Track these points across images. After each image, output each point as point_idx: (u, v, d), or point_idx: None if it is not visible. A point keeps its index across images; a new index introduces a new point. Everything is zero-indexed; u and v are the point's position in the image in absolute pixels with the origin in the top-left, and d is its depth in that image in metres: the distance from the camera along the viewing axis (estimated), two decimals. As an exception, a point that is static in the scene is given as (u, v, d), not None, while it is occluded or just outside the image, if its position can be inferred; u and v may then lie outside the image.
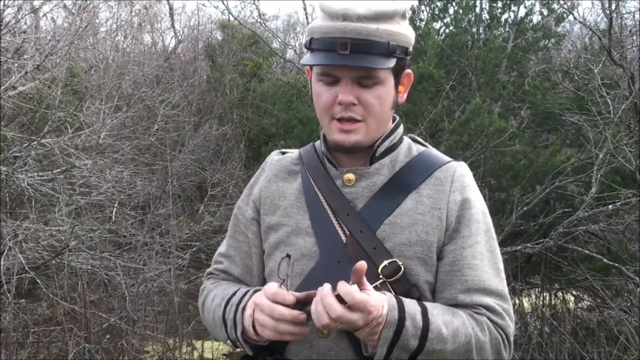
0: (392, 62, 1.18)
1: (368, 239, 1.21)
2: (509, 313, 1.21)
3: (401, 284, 1.18)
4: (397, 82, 1.25)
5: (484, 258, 1.22)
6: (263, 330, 1.15)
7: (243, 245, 1.37)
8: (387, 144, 1.28)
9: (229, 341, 1.27)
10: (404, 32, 1.21)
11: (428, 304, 1.16)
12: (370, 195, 1.25)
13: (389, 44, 1.17)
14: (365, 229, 1.21)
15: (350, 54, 1.15)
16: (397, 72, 1.23)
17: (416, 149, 1.32)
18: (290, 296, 1.11)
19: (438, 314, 1.14)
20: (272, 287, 1.13)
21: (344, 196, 1.25)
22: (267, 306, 1.12)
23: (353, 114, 1.20)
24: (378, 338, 1.08)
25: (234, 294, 1.27)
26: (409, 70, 1.27)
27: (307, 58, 1.22)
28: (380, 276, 1.18)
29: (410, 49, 1.24)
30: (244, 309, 1.21)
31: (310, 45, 1.21)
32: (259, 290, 1.21)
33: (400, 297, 1.14)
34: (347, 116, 1.20)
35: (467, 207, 1.23)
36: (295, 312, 1.10)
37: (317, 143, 1.36)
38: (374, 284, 1.16)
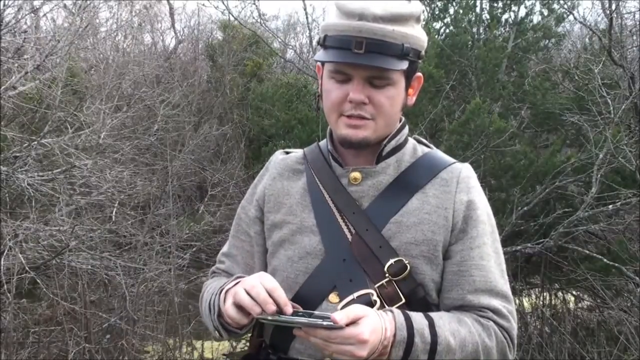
0: (404, 64, 1.18)
1: (374, 237, 1.20)
2: (513, 314, 1.22)
3: (407, 283, 1.19)
4: (408, 85, 1.25)
5: (491, 259, 1.23)
6: (228, 295, 1.18)
7: (245, 245, 1.37)
8: (393, 143, 1.28)
9: (215, 332, 1.29)
10: (418, 35, 1.21)
11: (434, 315, 1.16)
12: (376, 194, 1.25)
13: (402, 46, 1.17)
14: (371, 227, 1.21)
15: (364, 53, 1.15)
16: (409, 75, 1.24)
17: (421, 150, 1.32)
18: (284, 298, 1.13)
19: (445, 324, 1.14)
20: (272, 281, 1.16)
21: (350, 195, 1.25)
22: (255, 285, 1.14)
23: (363, 112, 1.20)
24: (388, 358, 1.09)
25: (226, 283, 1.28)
26: (419, 74, 1.27)
27: (321, 54, 1.22)
28: (387, 275, 1.18)
29: (423, 52, 1.24)
30: (227, 291, 1.22)
31: (324, 42, 1.21)
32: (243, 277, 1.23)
33: (408, 312, 1.14)
34: (356, 114, 1.20)
35: (473, 208, 1.24)
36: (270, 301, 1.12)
37: (322, 142, 1.36)
38: (381, 282, 1.17)
